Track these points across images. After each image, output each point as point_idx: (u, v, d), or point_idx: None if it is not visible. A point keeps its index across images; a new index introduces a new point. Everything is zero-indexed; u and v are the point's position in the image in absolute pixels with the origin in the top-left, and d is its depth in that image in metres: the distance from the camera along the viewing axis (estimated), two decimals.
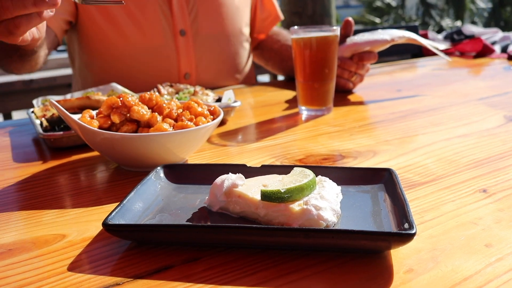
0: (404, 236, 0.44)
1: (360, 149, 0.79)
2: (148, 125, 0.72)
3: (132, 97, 0.73)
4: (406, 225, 0.46)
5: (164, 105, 0.75)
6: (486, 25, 10.45)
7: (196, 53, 1.42)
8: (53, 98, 1.11)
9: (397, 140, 0.83)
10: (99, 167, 0.78)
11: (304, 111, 1.05)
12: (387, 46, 1.16)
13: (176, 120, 0.73)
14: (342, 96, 1.22)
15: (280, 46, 1.55)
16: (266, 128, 0.97)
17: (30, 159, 0.84)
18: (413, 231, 0.44)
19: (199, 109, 0.75)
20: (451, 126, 0.91)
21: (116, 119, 0.71)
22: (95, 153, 0.84)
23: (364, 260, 0.46)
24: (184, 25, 1.39)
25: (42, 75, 2.46)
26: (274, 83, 1.57)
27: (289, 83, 1.47)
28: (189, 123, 0.70)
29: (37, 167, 0.79)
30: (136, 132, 0.72)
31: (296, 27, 1.02)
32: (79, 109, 0.97)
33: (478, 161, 0.72)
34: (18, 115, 2.44)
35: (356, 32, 1.23)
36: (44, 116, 0.98)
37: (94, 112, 0.77)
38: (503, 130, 0.87)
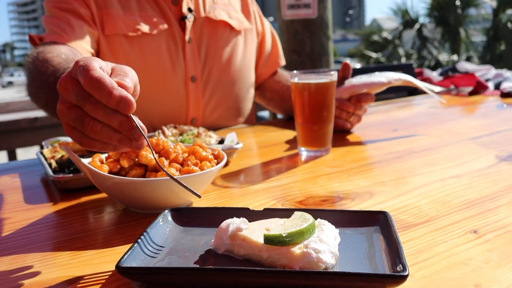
0: (397, 278, 0.48)
1: (357, 191, 0.83)
2: (156, 169, 0.76)
3: None
4: (399, 267, 0.50)
5: (171, 149, 0.79)
6: (481, 58, 10.63)
7: (204, 99, 1.48)
8: (61, 139, 1.16)
9: (393, 182, 0.87)
10: (107, 208, 0.81)
11: (304, 152, 1.10)
12: (384, 88, 1.21)
13: (182, 164, 0.77)
14: (341, 136, 1.26)
15: (281, 86, 1.62)
16: (267, 169, 1.01)
17: (41, 200, 0.88)
18: (406, 273, 0.48)
19: (204, 153, 0.79)
20: (445, 166, 0.95)
21: (125, 163, 0.75)
22: (103, 195, 0.88)
23: None
24: (195, 71, 1.45)
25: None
26: (274, 122, 1.62)
27: (288, 122, 1.52)
28: (194, 167, 0.74)
29: (48, 208, 0.83)
30: (144, 175, 0.76)
31: (295, 71, 1.08)
32: (87, 152, 1.01)
33: (470, 202, 0.75)
34: (22, 152, 2.49)
35: (355, 73, 1.29)
36: (53, 157, 1.02)
37: (103, 156, 0.81)
38: (494, 170, 0.91)
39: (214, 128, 1.46)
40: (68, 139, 1.14)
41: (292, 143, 1.23)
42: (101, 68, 0.62)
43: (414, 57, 10.68)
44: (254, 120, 1.70)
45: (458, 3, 10.50)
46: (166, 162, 0.76)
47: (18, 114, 2.64)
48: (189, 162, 0.76)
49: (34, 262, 0.62)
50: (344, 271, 0.49)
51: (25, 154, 2.37)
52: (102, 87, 0.59)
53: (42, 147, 1.14)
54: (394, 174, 0.92)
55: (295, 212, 0.60)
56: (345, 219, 0.64)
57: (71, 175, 0.89)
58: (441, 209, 0.73)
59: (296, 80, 1.07)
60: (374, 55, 11.00)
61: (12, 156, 2.45)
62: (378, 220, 0.63)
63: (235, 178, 0.96)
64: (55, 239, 0.70)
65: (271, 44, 1.71)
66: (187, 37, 1.44)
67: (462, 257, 0.57)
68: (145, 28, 1.38)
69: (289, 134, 1.35)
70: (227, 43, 1.52)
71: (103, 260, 0.62)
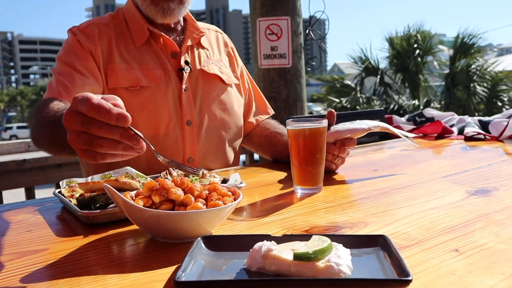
0: (404, 282, 0.61)
1: (353, 221, 0.97)
2: (182, 204, 0.88)
3: (168, 181, 0.89)
4: (404, 274, 0.63)
5: (194, 187, 0.91)
6: (440, 103, 11.14)
7: (200, 141, 1.63)
8: (76, 180, 1.26)
9: (382, 213, 1.01)
10: (134, 239, 0.92)
11: (299, 190, 1.23)
12: (364, 133, 1.37)
13: (206, 199, 0.89)
14: (328, 176, 1.41)
15: (270, 133, 1.78)
16: (269, 205, 1.13)
17: (71, 234, 0.97)
18: (410, 278, 0.61)
19: (223, 190, 0.91)
20: (424, 200, 1.10)
21: (156, 199, 0.87)
22: (128, 228, 0.98)
23: None
24: (191, 116, 1.62)
25: (34, 155, 2.59)
26: (263, 164, 1.75)
27: (276, 164, 1.66)
28: (219, 202, 0.87)
29: (80, 240, 0.93)
30: (173, 209, 0.87)
31: (290, 119, 1.22)
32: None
33: (450, 227, 0.90)
34: (8, 194, 2.52)
35: (338, 118, 1.45)
36: (72, 196, 1.12)
37: (133, 193, 0.92)
38: (466, 203, 1.06)
39: (210, 169, 1.59)
40: (81, 180, 1.24)
41: (285, 182, 1.37)
42: (95, 97, 0.81)
43: (377, 103, 11.14)
44: (237, 163, 1.85)
45: (418, 51, 11.09)
46: (192, 198, 0.88)
47: (6, 157, 2.69)
48: (213, 198, 0.88)
49: (88, 283, 0.72)
50: (362, 277, 0.62)
51: (12, 196, 2.41)
52: (102, 109, 0.79)
53: (29, 189, 1.25)
54: (382, 207, 1.06)
55: (313, 236, 0.73)
56: (351, 242, 0.77)
57: (98, 211, 1.00)
58: (427, 233, 0.87)
59: (291, 127, 1.21)
60: (337, 100, 11.40)
61: None
62: (379, 242, 0.77)
63: (242, 213, 1.08)
64: (98, 265, 0.80)
65: (258, 98, 1.93)
66: (183, 86, 1.60)
67: (449, 269, 0.71)
68: (144, 82, 1.56)
69: (281, 174, 1.49)
70: (219, 94, 1.71)
71: (148, 280, 0.72)
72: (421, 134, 2.20)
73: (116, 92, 1.52)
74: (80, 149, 0.83)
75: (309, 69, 3.46)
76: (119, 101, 0.84)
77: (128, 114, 0.80)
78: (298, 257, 0.66)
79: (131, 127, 0.82)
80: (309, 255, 0.66)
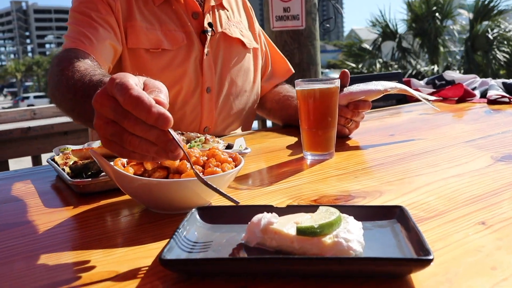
0: (424, 261, 0.52)
1: (367, 190, 0.88)
2: (178, 172, 0.79)
3: None
4: (424, 252, 0.54)
5: (191, 153, 0.83)
6: (459, 68, 10.88)
7: (217, 109, 1.55)
8: (70, 147, 1.18)
9: (399, 181, 0.92)
10: (127, 210, 0.84)
11: (309, 156, 1.14)
12: (380, 95, 1.27)
13: (203, 166, 0.81)
14: (340, 141, 1.31)
15: (282, 96, 1.69)
16: (275, 173, 1.05)
17: (60, 204, 0.91)
18: (431, 257, 0.52)
19: (223, 156, 0.83)
20: (445, 167, 1.00)
21: (149, 166, 0.79)
22: (121, 198, 0.91)
23: (388, 285, 0.53)
24: (211, 83, 1.52)
25: (39, 123, 2.53)
26: (273, 129, 1.67)
27: (287, 129, 1.57)
28: (217, 169, 0.78)
29: (69, 211, 0.86)
30: (167, 177, 0.79)
31: (300, 80, 1.13)
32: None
33: (474, 197, 0.80)
34: (14, 162, 2.48)
35: (353, 81, 1.34)
36: (65, 164, 1.05)
37: (124, 160, 0.84)
38: (491, 170, 0.96)
39: (218, 136, 1.51)
40: (77, 147, 1.16)
41: (295, 148, 1.28)
42: (136, 85, 0.66)
43: (395, 68, 10.90)
44: (249, 128, 1.76)
45: (437, 14, 10.77)
46: (188, 165, 0.79)
47: (11, 124, 2.64)
48: (210, 165, 0.80)
49: (69, 259, 0.65)
50: (374, 256, 0.53)
51: (18, 164, 2.37)
52: (141, 106, 0.63)
53: (36, 157, 1.17)
54: (398, 174, 0.97)
55: (320, 207, 0.64)
56: (364, 214, 0.68)
57: (89, 179, 0.92)
58: (449, 204, 0.78)
59: (301, 87, 1.12)
60: (354, 65, 11.18)
61: (4, 167, 2.44)
62: (395, 214, 0.68)
63: (246, 181, 1.00)
64: (84, 239, 0.73)
65: (275, 60, 1.82)
66: (205, 51, 1.50)
67: (475, 245, 0.62)
68: (166, 44, 1.44)
69: (290, 140, 1.40)
70: (239, 59, 1.61)
71: (137, 256, 0.65)
72: (441, 98, 2.08)
73: (136, 53, 1.41)
74: (105, 139, 0.68)
75: (323, 30, 3.31)
76: (163, 95, 0.68)
77: (170, 116, 0.65)
78: (301, 231, 0.58)
79: (171, 130, 0.67)
80: (314, 229, 0.57)
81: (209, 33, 1.52)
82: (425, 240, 0.56)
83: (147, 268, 0.61)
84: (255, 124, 3.68)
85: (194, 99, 1.50)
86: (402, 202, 0.80)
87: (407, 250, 0.58)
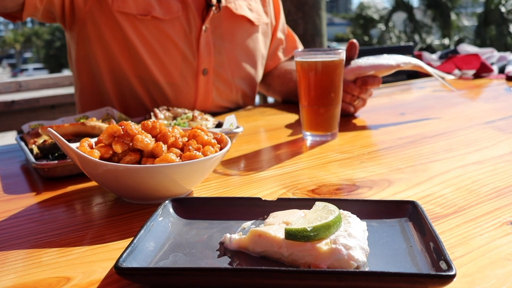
0: (444, 278, 0.41)
1: (373, 178, 0.76)
2: (152, 155, 0.68)
3: (135, 125, 0.69)
4: (443, 265, 0.43)
5: (169, 133, 0.71)
6: (472, 43, 10.68)
7: (213, 93, 1.40)
8: (43, 122, 1.07)
9: (410, 168, 0.80)
10: (97, 199, 0.73)
11: (309, 137, 1.02)
12: (392, 71, 1.14)
13: (182, 149, 0.69)
14: (345, 120, 1.19)
15: (283, 71, 1.55)
16: (271, 156, 0.93)
17: (22, 190, 0.79)
18: (453, 272, 0.41)
19: (206, 137, 0.71)
20: (463, 152, 0.88)
21: (118, 148, 0.67)
22: (92, 184, 0.80)
23: None
24: (208, 64, 1.36)
25: (24, 96, 2.40)
26: (272, 105, 1.54)
27: (287, 105, 1.45)
28: (197, 153, 0.66)
29: (30, 199, 0.74)
30: (139, 162, 0.68)
31: (300, 49, 1.00)
32: (73, 136, 0.93)
33: (499, 190, 0.69)
34: None
35: (361, 54, 1.21)
36: (35, 142, 0.93)
37: (93, 141, 0.72)
38: None
39: (210, 112, 1.38)
40: (52, 122, 1.05)
41: (294, 127, 1.16)
42: None
43: (404, 40, 10.67)
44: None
45: None
46: (164, 147, 0.68)
47: None
48: (190, 147, 0.68)
49: (17, 260, 0.54)
50: (381, 270, 0.42)
51: (2, 139, 2.26)
52: None
53: (21, 132, 1.05)
54: (410, 160, 0.85)
55: (317, 203, 0.53)
56: (370, 210, 0.57)
57: (55, 161, 0.80)
58: (469, 198, 0.66)
59: (301, 59, 0.99)
60: (365, 38, 10.95)
61: None
62: (407, 211, 0.56)
63: (236, 165, 0.88)
64: (39, 234, 0.62)
65: (282, 37, 1.62)
66: (204, 27, 1.33)
67: (503, 252, 0.51)
68: (158, 12, 1.27)
69: (290, 117, 1.28)
70: (244, 38, 1.44)
71: (96, 258, 0.54)
72: (456, 70, 1.92)
73: (122, 18, 1.25)
74: None
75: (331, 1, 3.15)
76: None
77: None
78: (291, 235, 0.46)
79: None
80: (307, 232, 0.46)
81: (214, 8, 1.33)
82: (444, 249, 0.45)
83: (104, 275, 0.50)
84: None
85: (187, 81, 1.34)
86: (415, 195, 0.68)
87: (421, 260, 0.47)
